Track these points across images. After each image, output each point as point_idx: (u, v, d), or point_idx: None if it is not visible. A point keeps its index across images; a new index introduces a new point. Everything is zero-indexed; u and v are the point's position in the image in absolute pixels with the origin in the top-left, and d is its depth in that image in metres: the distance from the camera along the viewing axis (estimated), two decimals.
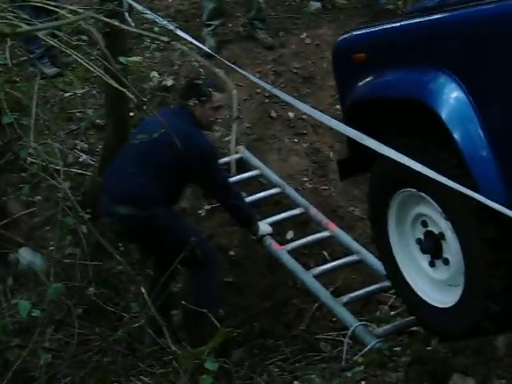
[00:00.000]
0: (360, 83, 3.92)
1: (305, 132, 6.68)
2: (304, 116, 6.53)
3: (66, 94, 7.02)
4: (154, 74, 7.19)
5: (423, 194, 3.68)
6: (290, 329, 5.61)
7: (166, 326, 3.83)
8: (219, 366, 3.64)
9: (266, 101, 6.78)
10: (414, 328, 4.57)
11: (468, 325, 3.59)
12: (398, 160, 3.18)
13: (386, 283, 4.65)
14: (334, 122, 3.54)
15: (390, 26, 3.89)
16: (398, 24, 3.81)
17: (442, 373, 3.44)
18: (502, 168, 3.25)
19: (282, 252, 5.28)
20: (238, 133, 6.42)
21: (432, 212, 3.71)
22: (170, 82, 7.05)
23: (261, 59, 7.31)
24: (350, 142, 4.06)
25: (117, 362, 3.95)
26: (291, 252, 5.32)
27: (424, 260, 3.86)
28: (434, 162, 3.31)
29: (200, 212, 6.10)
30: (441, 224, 3.65)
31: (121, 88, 3.65)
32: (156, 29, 4.38)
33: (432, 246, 3.75)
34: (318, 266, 5.33)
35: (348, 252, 5.29)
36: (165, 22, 5.02)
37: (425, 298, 3.86)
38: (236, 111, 6.09)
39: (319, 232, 5.50)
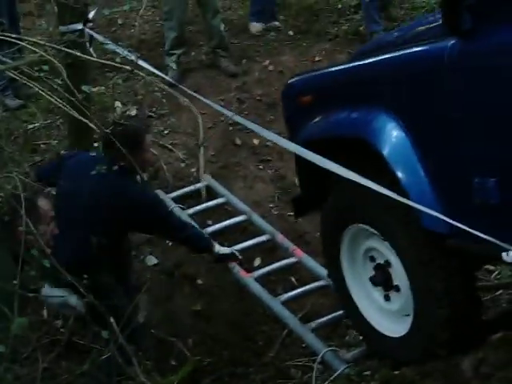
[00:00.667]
0: (308, 124, 4.10)
1: (270, 159, 6.71)
2: (269, 143, 6.55)
3: (30, 126, 6.99)
4: (117, 104, 7.19)
5: (368, 227, 3.88)
6: (260, 356, 5.58)
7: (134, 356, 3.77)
8: None
9: (230, 128, 6.80)
10: None
11: (419, 352, 3.71)
12: (361, 182, 3.24)
13: None
14: (298, 149, 3.57)
15: (333, 69, 4.19)
16: (341, 67, 4.12)
17: None
18: (441, 200, 3.40)
19: (250, 280, 5.27)
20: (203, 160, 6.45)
21: (378, 244, 3.91)
22: (133, 112, 7.03)
23: (224, 87, 7.34)
24: (302, 180, 4.44)
25: None
26: (259, 279, 5.31)
27: (378, 294, 4.01)
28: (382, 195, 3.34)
29: (167, 242, 6.08)
30: (386, 253, 3.84)
31: (83, 119, 3.65)
32: (118, 59, 4.38)
33: (382, 277, 3.91)
34: (285, 292, 5.33)
35: (315, 277, 5.28)
36: (126, 53, 5.04)
37: (379, 329, 4.02)
38: (202, 138, 6.13)
39: (286, 258, 5.49)
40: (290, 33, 8.24)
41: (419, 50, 3.52)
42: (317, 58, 7.63)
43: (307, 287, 5.28)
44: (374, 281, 3.98)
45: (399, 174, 3.48)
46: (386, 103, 3.60)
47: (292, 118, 4.45)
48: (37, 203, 4.19)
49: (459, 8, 3.14)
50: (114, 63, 4.25)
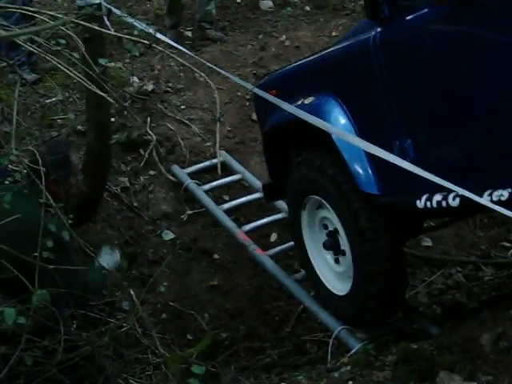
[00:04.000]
0: (273, 114, 4.66)
1: None
2: None
3: (47, 101, 6.99)
4: (134, 78, 7.18)
5: (320, 198, 4.49)
6: (277, 331, 5.61)
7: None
8: (206, 368, 3.62)
9: (247, 104, 6.78)
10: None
11: (358, 308, 4.39)
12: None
13: None
14: (314, 119, 3.66)
15: (292, 65, 4.94)
16: (298, 63, 4.82)
17: (428, 370, 3.47)
18: (373, 164, 4.03)
19: (265, 257, 5.29)
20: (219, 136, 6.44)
21: (328, 213, 4.51)
22: (150, 87, 7.04)
23: (241, 62, 7.32)
24: (271, 169, 5.09)
25: (105, 367, 3.92)
26: (274, 256, 5.33)
27: (330, 257, 4.67)
28: (328, 170, 4.32)
29: (183, 216, 6.09)
30: (334, 221, 4.44)
31: (101, 93, 3.64)
32: (136, 32, 4.38)
33: (332, 243, 4.54)
34: (301, 269, 5.34)
35: None
36: (144, 26, 5.01)
37: (329, 288, 4.66)
38: (219, 113, 6.11)
39: None
40: (307, 8, 8.21)
41: (354, 41, 4.14)
42: (334, 33, 7.60)
43: None
44: (326, 245, 4.62)
45: (339, 145, 4.09)
46: (332, 89, 4.26)
47: (261, 110, 5.11)
48: (70, 157, 4.28)
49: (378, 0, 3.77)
50: (131, 38, 4.25)
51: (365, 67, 3.94)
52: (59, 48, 3.78)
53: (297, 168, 4.67)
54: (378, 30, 3.84)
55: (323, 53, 4.53)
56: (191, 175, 6.20)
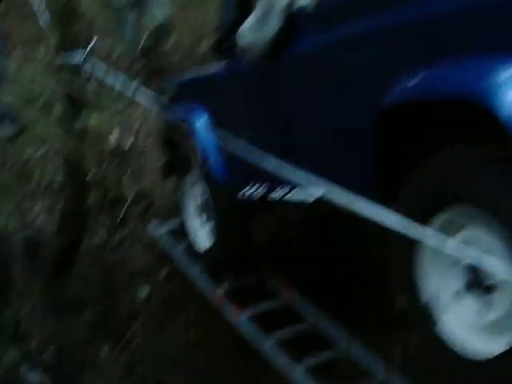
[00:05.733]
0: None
1: None
2: None
3: (26, 155, 6.99)
4: (113, 134, 7.20)
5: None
6: None
7: None
8: None
9: None
10: None
11: (218, 260, 5.55)
12: None
13: None
14: None
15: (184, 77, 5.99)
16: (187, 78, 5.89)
17: None
18: (225, 162, 5.12)
19: (240, 318, 5.29)
20: None
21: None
22: (129, 143, 7.06)
23: None
24: (164, 147, 6.02)
25: None
26: (250, 317, 5.31)
27: (201, 221, 5.69)
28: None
29: (158, 275, 6.07)
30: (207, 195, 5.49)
31: (78, 150, 3.65)
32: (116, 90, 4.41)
33: (204, 209, 5.57)
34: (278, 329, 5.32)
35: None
36: (125, 83, 5.04)
37: (199, 245, 5.68)
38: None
39: (277, 296, 5.49)
40: None
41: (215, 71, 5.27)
42: None
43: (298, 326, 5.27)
44: (200, 212, 5.66)
45: (199, 150, 5.23)
46: (205, 101, 5.35)
47: None
48: None
49: (221, 47, 4.94)
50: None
51: (219, 89, 5.19)
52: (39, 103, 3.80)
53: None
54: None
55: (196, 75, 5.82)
56: (168, 233, 6.18)
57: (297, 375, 4.79)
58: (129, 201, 6.36)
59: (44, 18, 7.32)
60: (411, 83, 3.38)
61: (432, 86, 3.30)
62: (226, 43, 4.90)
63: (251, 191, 4.84)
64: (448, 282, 3.48)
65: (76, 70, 4.81)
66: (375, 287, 5.30)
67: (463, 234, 3.36)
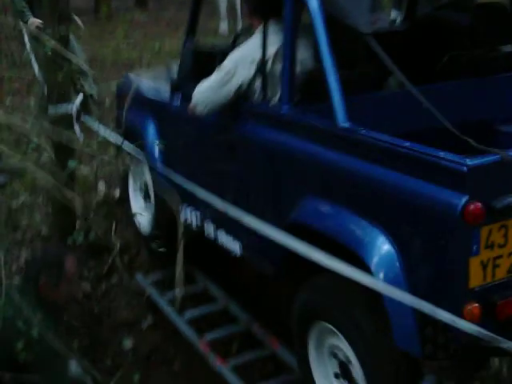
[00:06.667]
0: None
1: None
2: None
3: (13, 203, 6.99)
4: (101, 184, 7.22)
5: None
6: None
7: None
8: None
9: None
10: None
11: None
12: None
13: None
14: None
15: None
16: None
17: None
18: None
19: (225, 369, 5.25)
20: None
21: None
22: (117, 193, 7.07)
23: None
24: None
25: None
26: (235, 367, 5.28)
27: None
28: None
29: (143, 325, 6.04)
30: None
31: (66, 199, 3.67)
32: (100, 139, 4.45)
33: None
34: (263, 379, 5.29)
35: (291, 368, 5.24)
36: (112, 135, 5.09)
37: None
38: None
39: (262, 348, 5.47)
40: None
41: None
42: None
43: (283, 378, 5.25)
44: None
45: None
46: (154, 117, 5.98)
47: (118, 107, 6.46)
48: (64, 263, 4.33)
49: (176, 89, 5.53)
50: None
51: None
52: (28, 152, 3.82)
53: None
54: None
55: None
56: (154, 284, 6.17)
57: None
58: (115, 250, 6.35)
59: (35, 68, 7.42)
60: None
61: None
62: (180, 88, 5.42)
63: None
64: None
65: (65, 119, 4.84)
66: None
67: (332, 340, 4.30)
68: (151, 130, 5.96)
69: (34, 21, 7.79)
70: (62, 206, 5.39)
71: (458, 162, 3.30)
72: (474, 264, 3.37)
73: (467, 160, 3.29)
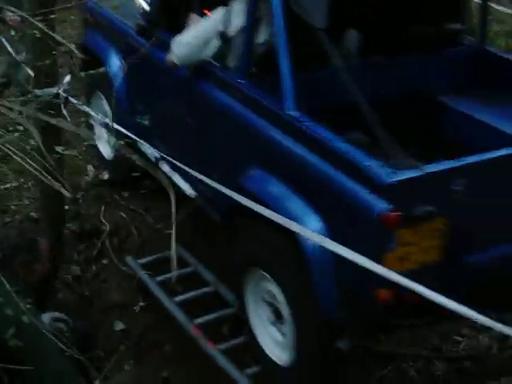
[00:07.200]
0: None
1: None
2: None
3: (1, 187, 6.96)
4: (90, 167, 7.18)
5: None
6: None
7: None
8: None
9: None
10: None
11: None
12: None
13: None
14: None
15: None
16: None
17: None
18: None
19: (216, 352, 5.29)
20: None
21: None
22: (105, 176, 7.04)
23: None
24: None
25: None
26: (226, 350, 5.32)
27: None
28: None
29: (135, 308, 6.02)
30: None
31: (55, 183, 3.63)
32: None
33: None
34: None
35: None
36: (100, 116, 5.05)
37: None
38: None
39: None
40: None
41: None
42: None
43: None
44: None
45: None
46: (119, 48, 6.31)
47: None
48: (38, 243, 4.55)
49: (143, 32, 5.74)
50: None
51: None
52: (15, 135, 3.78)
53: None
54: None
55: None
56: (145, 266, 6.15)
57: None
58: (105, 233, 6.34)
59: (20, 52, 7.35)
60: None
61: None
62: (148, 31, 5.63)
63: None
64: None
65: (52, 103, 4.79)
66: None
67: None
68: (115, 61, 6.29)
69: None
70: (49, 189, 5.35)
71: (386, 174, 3.77)
72: (390, 258, 3.81)
73: (393, 174, 3.77)
